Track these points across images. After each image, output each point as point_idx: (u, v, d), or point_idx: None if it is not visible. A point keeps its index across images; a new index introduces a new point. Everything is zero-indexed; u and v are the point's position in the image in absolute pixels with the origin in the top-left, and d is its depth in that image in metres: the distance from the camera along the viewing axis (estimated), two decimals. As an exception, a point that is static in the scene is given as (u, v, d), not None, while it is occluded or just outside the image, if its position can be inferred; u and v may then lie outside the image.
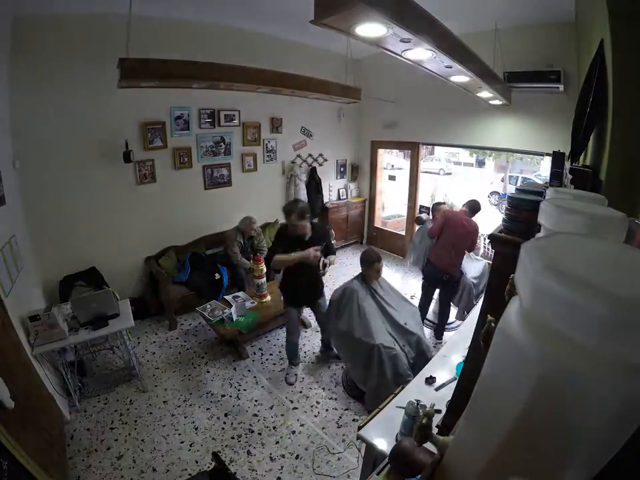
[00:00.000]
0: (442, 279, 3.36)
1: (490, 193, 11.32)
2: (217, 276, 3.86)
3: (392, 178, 9.08)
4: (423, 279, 3.63)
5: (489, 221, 7.73)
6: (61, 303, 3.06)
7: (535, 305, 0.31)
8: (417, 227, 4.49)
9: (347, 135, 5.86)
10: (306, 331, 3.71)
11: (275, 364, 3.23)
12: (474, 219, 3.38)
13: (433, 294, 3.63)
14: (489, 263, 3.65)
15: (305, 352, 3.38)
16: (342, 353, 2.76)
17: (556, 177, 1.67)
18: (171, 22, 3.52)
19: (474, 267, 3.68)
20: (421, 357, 2.52)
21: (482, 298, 1.75)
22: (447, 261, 3.28)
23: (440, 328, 3.61)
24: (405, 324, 2.61)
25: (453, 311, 3.75)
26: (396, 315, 2.63)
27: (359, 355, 2.49)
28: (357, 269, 5.32)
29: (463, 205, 3.48)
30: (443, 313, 3.57)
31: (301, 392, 2.88)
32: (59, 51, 3.03)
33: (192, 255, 4.00)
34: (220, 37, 3.88)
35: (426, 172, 11.17)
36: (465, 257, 3.44)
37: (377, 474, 0.97)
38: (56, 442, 2.19)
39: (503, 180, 11.41)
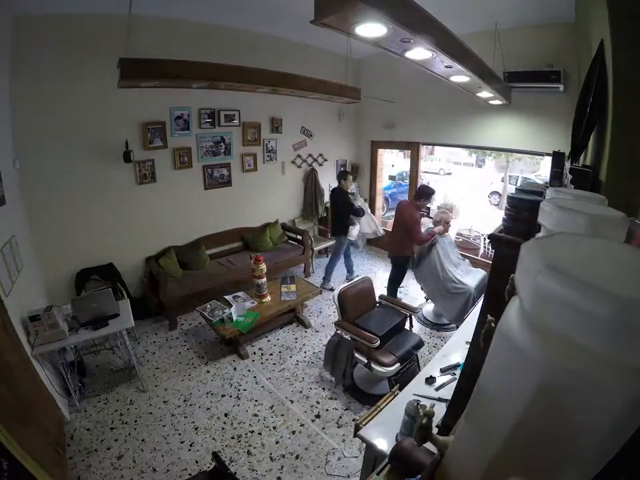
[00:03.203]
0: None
1: (490, 193, 11.32)
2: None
3: (392, 178, 9.08)
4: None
5: (490, 220, 7.76)
6: (77, 294, 3.35)
7: (535, 305, 0.30)
8: None
9: (347, 135, 5.86)
10: (306, 331, 3.72)
11: (274, 364, 3.23)
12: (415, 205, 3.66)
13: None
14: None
15: (304, 352, 3.38)
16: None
17: (556, 177, 1.67)
18: (170, 22, 3.52)
19: (474, 277, 3.65)
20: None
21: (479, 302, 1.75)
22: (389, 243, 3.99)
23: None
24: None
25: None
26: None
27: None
28: (358, 268, 5.33)
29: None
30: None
31: (301, 392, 2.88)
32: (58, 50, 3.03)
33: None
34: (220, 37, 3.88)
35: (426, 172, 11.18)
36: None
37: (377, 474, 0.97)
38: (56, 442, 2.19)
39: (502, 180, 11.41)
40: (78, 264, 3.52)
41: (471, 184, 12.25)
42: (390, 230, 5.97)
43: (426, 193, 3.62)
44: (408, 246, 3.71)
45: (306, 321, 3.79)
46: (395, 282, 3.96)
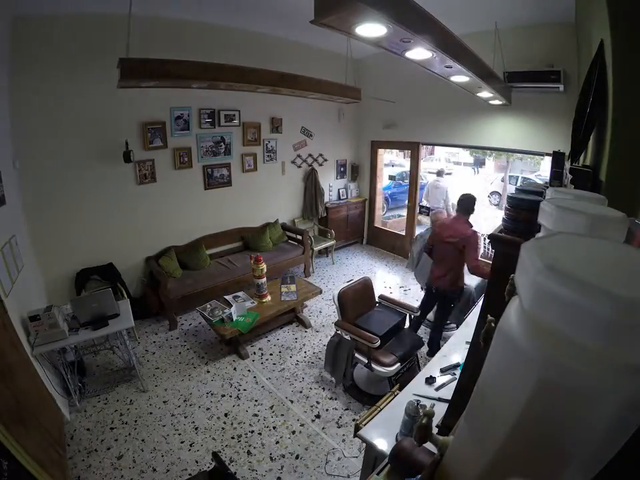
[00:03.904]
0: (432, 292, 3.12)
1: (490, 193, 11.31)
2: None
3: (392, 178, 9.07)
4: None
5: (490, 221, 7.76)
6: (77, 294, 3.37)
7: (535, 305, 0.30)
8: (416, 232, 4.50)
9: (346, 135, 5.86)
10: (306, 331, 3.72)
11: (274, 364, 3.23)
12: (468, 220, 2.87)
13: (431, 304, 3.31)
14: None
15: (304, 352, 3.38)
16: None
17: (556, 177, 1.67)
18: (171, 22, 3.52)
19: (474, 277, 3.62)
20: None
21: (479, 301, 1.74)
22: (435, 274, 3.04)
23: (432, 348, 3.15)
24: None
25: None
26: None
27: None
28: (357, 268, 5.34)
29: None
30: (433, 334, 3.24)
31: (301, 392, 2.88)
32: (58, 50, 3.03)
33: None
34: (220, 37, 3.88)
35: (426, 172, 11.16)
36: (461, 271, 2.96)
37: (377, 474, 0.97)
38: (56, 442, 2.19)
39: (503, 180, 11.39)
40: (78, 264, 3.52)
41: (471, 184, 12.23)
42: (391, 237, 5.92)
43: (472, 205, 2.89)
44: (462, 274, 2.99)
45: (306, 321, 3.79)
46: (443, 319, 3.22)
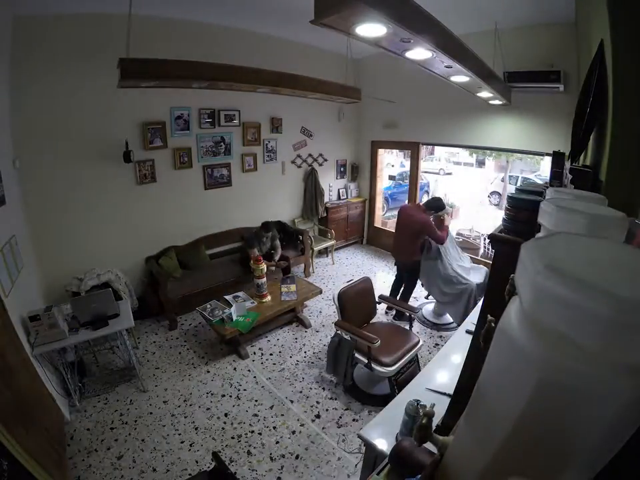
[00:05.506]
0: (399, 267, 3.94)
1: (490, 193, 11.32)
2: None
3: (392, 178, 9.09)
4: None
5: (490, 221, 7.76)
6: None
7: (535, 305, 0.30)
8: None
9: (347, 135, 5.86)
10: (306, 331, 3.72)
11: (274, 364, 3.23)
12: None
13: (400, 280, 4.00)
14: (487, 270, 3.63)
15: (304, 352, 3.38)
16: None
17: (556, 177, 1.67)
18: (171, 22, 3.52)
19: (475, 275, 3.65)
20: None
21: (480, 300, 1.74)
22: (397, 249, 3.86)
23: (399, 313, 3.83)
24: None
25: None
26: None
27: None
28: (357, 268, 5.33)
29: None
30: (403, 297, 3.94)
31: (301, 392, 2.88)
32: (58, 50, 3.03)
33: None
34: (220, 37, 3.88)
35: (426, 172, 11.17)
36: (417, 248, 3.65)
37: (377, 474, 0.97)
38: (56, 442, 2.19)
39: (503, 180, 11.40)
40: (78, 263, 3.50)
41: (471, 184, 12.23)
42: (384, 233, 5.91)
43: (437, 206, 3.62)
44: (418, 251, 3.66)
45: (306, 321, 3.79)
46: (411, 288, 3.91)
